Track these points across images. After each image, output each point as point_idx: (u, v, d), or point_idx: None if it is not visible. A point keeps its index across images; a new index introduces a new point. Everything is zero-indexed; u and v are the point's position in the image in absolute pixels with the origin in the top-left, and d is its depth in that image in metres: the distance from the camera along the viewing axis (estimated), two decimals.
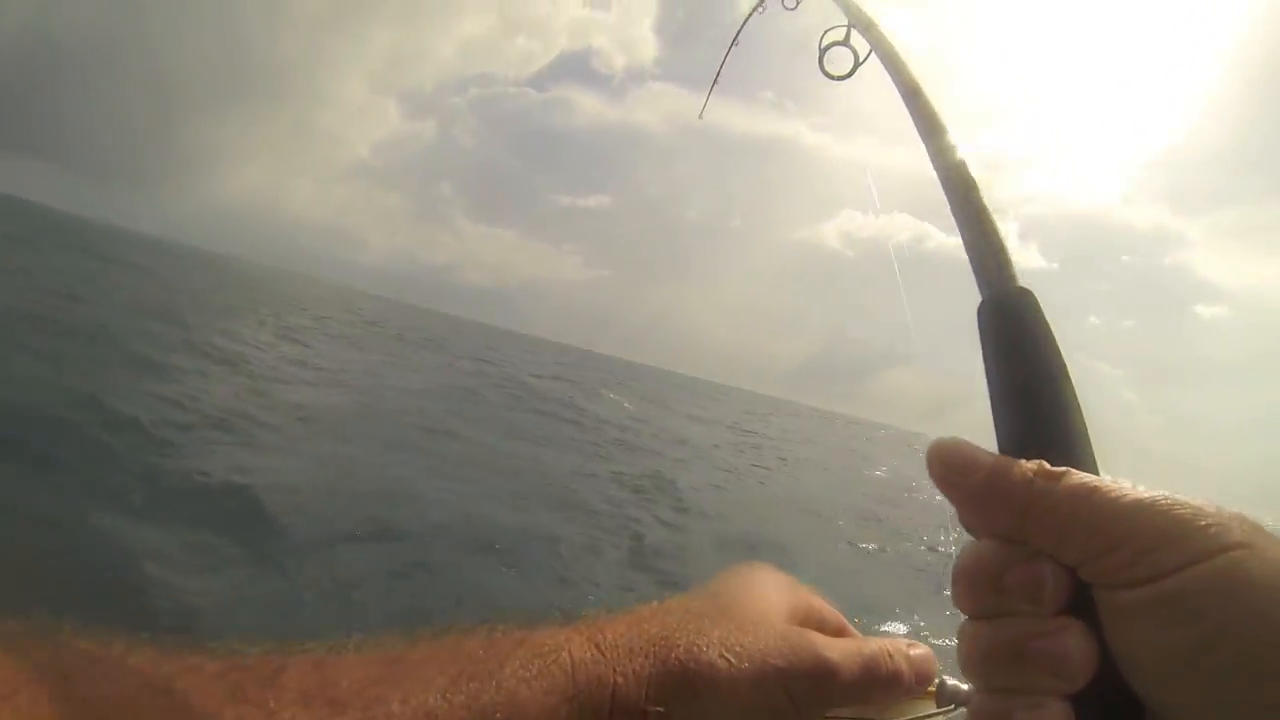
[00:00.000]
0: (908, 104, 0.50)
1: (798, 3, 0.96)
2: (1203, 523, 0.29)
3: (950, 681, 0.45)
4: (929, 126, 0.46)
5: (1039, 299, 0.37)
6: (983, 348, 0.37)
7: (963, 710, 0.43)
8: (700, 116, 1.20)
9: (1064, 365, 0.35)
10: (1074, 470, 0.32)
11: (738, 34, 1.04)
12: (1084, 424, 0.34)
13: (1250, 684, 0.26)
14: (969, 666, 0.33)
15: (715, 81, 1.13)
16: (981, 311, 0.38)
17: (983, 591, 0.32)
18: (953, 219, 0.42)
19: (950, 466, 0.33)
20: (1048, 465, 0.32)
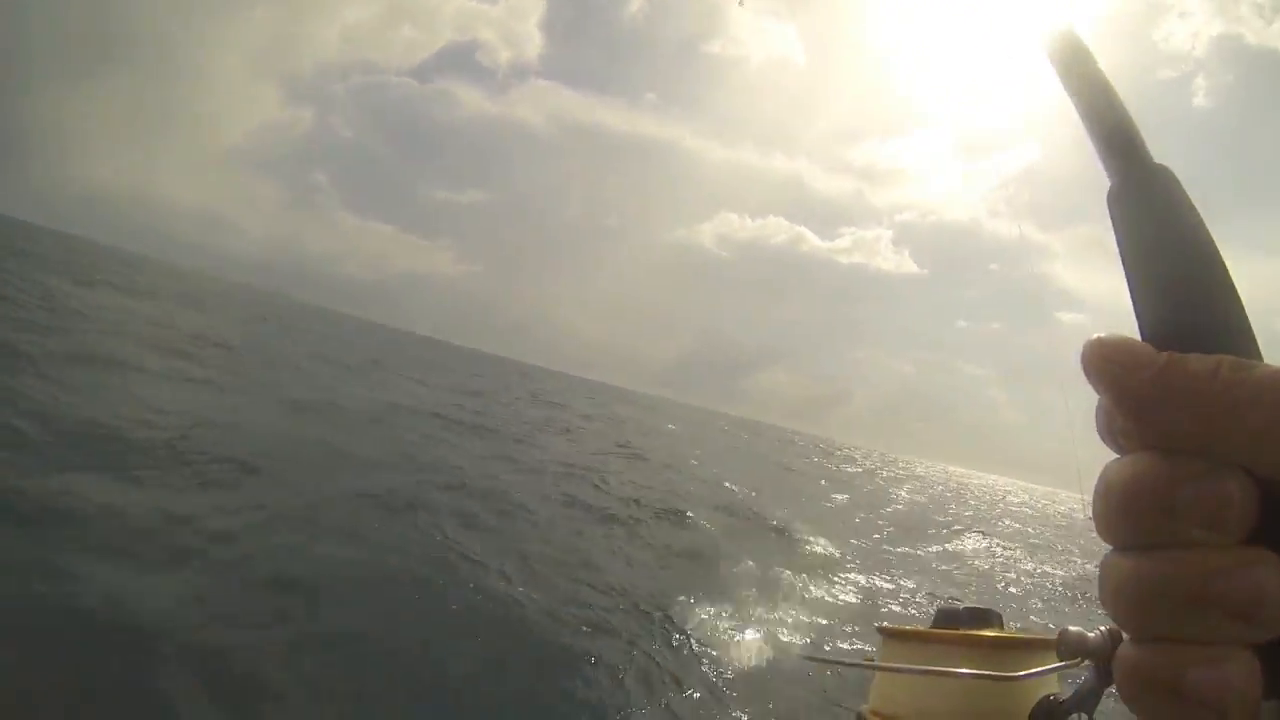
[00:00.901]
0: None
1: None
2: None
3: (1073, 629, 0.38)
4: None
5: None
6: (1118, 236, 0.32)
7: (1086, 664, 0.36)
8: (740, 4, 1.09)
9: (1216, 248, 0.30)
10: (1263, 362, 0.26)
11: None
12: (1245, 313, 0.29)
13: None
14: (1123, 610, 0.26)
15: None
16: (1114, 195, 0.32)
17: (1146, 515, 0.26)
18: (1069, 99, 0.36)
19: (1115, 362, 0.27)
20: (1227, 357, 0.26)
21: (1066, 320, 60.77)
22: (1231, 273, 0.30)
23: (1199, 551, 0.25)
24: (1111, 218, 0.32)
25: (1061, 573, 11.76)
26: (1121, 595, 0.26)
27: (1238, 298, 0.29)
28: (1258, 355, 0.28)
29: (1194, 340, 0.28)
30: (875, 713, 0.39)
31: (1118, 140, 0.33)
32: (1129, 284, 0.31)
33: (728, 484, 13.39)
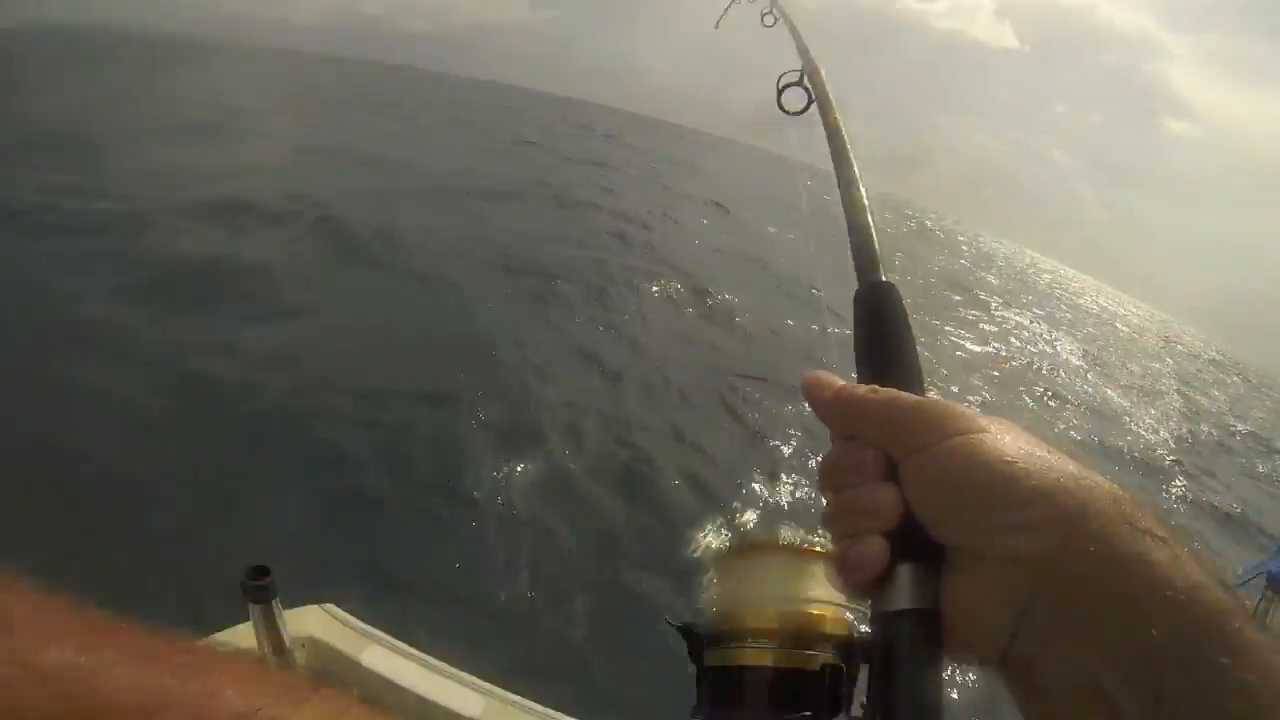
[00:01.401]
0: (830, 144, 0.65)
1: (775, 21, 1.05)
2: (951, 414, 0.41)
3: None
4: (842, 164, 0.62)
5: (899, 290, 0.51)
6: (855, 319, 0.51)
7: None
8: None
9: (911, 336, 0.50)
10: (890, 388, 0.45)
11: None
12: (921, 376, 0.48)
13: (980, 517, 0.38)
14: (826, 527, 0.45)
15: None
16: (858, 296, 0.52)
17: (831, 473, 0.45)
18: (845, 225, 0.56)
19: (813, 385, 0.47)
20: (876, 386, 0.45)
21: (1174, 128, 49.19)
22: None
23: (855, 487, 0.43)
24: (854, 308, 0.51)
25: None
26: (825, 518, 0.45)
27: (916, 360, 0.48)
28: (919, 390, 0.46)
29: (880, 380, 0.46)
30: (719, 611, 0.50)
31: (866, 261, 0.53)
32: (855, 347, 0.50)
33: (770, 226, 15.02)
